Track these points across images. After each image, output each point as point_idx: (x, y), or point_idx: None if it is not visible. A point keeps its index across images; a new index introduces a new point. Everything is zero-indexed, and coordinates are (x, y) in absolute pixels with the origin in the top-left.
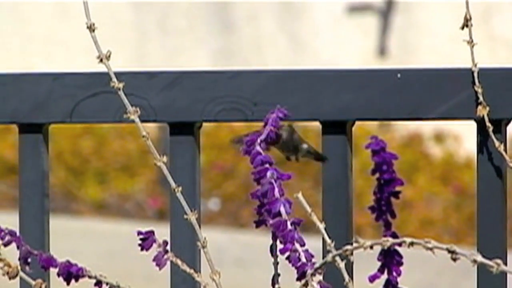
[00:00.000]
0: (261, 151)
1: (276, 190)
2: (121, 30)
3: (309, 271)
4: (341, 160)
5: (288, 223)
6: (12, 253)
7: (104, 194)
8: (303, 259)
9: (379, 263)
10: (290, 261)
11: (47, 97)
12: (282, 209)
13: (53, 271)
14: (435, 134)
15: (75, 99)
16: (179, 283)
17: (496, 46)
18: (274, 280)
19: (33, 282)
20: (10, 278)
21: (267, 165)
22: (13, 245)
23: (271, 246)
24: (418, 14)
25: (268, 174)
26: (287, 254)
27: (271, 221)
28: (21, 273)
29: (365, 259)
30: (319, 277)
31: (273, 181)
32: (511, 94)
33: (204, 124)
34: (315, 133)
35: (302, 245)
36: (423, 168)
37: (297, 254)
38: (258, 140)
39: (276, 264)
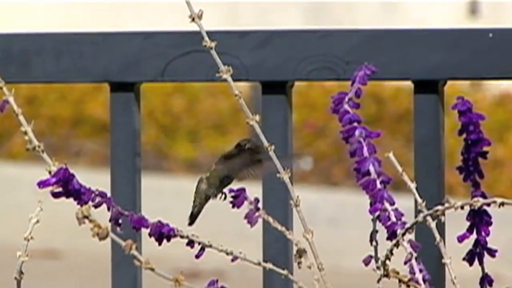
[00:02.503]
0: (349, 109)
1: (365, 149)
2: None
3: (400, 231)
4: (433, 119)
5: (377, 182)
6: (102, 214)
7: (196, 152)
8: (393, 218)
9: (467, 223)
10: (380, 221)
11: (138, 56)
12: (371, 168)
13: (144, 231)
14: None
15: (167, 58)
16: (271, 242)
17: None
18: (372, 236)
19: (123, 243)
20: (100, 239)
21: (355, 124)
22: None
23: (371, 202)
24: None
25: (357, 133)
26: (377, 213)
27: (360, 181)
28: (112, 234)
29: (454, 218)
30: (409, 236)
31: (361, 139)
32: None
33: (296, 83)
34: (407, 92)
35: (392, 204)
36: None
37: (387, 213)
38: (346, 98)
39: (375, 220)
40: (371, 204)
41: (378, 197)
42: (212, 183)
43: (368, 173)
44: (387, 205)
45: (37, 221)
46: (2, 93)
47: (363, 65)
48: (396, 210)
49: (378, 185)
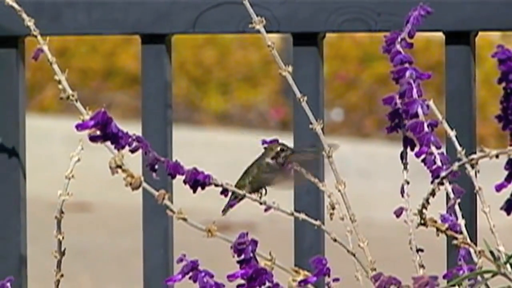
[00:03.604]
0: (401, 50)
1: (415, 90)
2: None
3: (437, 180)
4: (464, 71)
5: (425, 124)
6: (133, 164)
7: (227, 104)
8: (439, 162)
9: (505, 173)
10: (425, 164)
11: (169, 7)
12: (420, 110)
13: (175, 185)
14: None
15: (198, 9)
16: (302, 194)
17: None
18: (403, 188)
19: (156, 193)
20: (133, 189)
21: (406, 65)
22: (136, 155)
23: (401, 153)
24: None
25: (407, 73)
26: (422, 156)
27: (408, 123)
28: (144, 184)
29: (489, 169)
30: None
31: (411, 81)
32: None
33: (327, 34)
34: (438, 44)
35: (438, 147)
36: None
37: (433, 157)
38: (399, 39)
39: (405, 171)
40: (401, 154)
41: (425, 140)
42: (254, 187)
43: (416, 115)
44: (433, 148)
45: (79, 160)
46: (36, 43)
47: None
48: (442, 154)
49: (426, 128)
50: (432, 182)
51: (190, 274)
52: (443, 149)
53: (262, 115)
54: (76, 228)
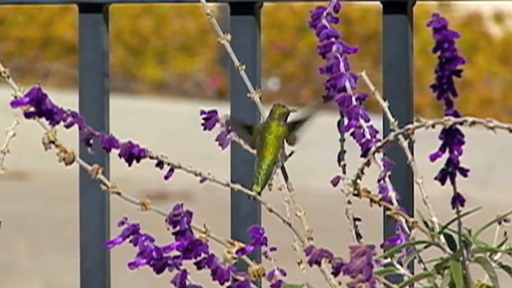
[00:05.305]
0: (327, 24)
1: (342, 64)
2: None
3: (372, 149)
4: (401, 40)
5: (353, 98)
6: (67, 138)
7: (164, 73)
8: (368, 136)
9: (440, 142)
10: (354, 137)
11: None
12: (347, 84)
13: (113, 152)
14: (495, 13)
15: None
16: (239, 164)
17: None
18: (340, 157)
19: (89, 168)
20: (66, 164)
21: (332, 39)
22: (69, 130)
23: (338, 122)
24: None
25: (334, 48)
26: (351, 130)
27: (335, 97)
28: (78, 159)
29: (425, 138)
30: (381, 155)
31: (338, 55)
32: None
33: (264, 3)
34: (375, 13)
35: (367, 120)
36: (482, 48)
37: (362, 130)
38: (324, 13)
39: (342, 140)
40: (338, 123)
41: (354, 113)
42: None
43: (344, 89)
44: (362, 122)
45: (14, 134)
46: None
47: None
48: (371, 127)
49: (354, 102)
50: (362, 156)
51: (131, 237)
52: (381, 120)
53: (198, 84)
54: (13, 197)
